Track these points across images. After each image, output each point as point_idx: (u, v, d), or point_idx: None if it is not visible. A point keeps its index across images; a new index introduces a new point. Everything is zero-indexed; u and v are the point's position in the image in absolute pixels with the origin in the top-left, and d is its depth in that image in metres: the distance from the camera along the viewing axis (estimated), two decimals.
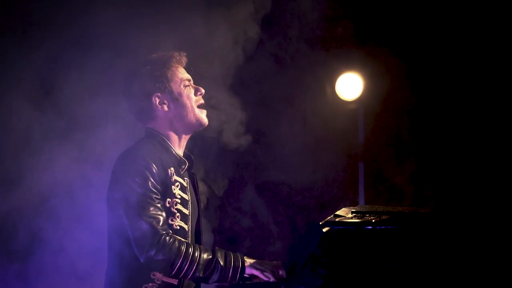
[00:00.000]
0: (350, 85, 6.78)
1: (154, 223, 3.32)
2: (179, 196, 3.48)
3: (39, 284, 5.11)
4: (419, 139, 6.66)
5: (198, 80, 3.74)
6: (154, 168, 3.39)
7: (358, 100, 6.84)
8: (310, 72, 6.29)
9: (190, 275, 3.34)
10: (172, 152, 3.54)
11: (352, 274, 3.07)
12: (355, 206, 3.66)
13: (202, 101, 3.65)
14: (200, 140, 4.86)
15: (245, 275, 3.41)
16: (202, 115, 3.61)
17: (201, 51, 4.74)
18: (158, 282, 3.39)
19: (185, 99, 3.58)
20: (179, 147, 3.61)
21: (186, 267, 3.33)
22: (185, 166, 3.58)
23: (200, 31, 4.71)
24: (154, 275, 3.39)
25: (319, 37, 6.20)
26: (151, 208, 3.34)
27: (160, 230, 3.32)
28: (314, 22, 6.03)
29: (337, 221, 3.18)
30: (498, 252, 3.07)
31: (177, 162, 3.54)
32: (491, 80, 6.33)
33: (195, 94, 3.63)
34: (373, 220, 3.14)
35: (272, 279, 3.41)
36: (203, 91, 3.65)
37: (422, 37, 6.46)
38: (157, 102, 3.56)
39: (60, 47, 4.95)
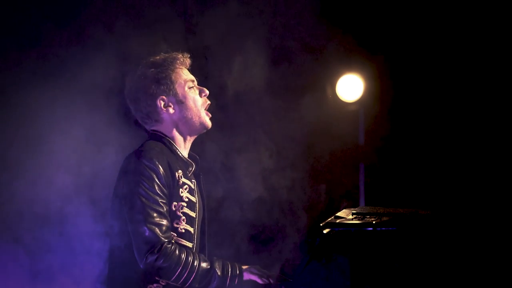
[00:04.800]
0: (350, 87, 6.78)
1: (157, 230, 3.31)
2: (186, 199, 3.47)
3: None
4: (419, 140, 6.66)
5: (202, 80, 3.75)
6: (161, 171, 3.38)
7: (359, 102, 6.84)
8: (310, 73, 6.29)
9: (188, 283, 3.35)
10: (179, 154, 3.54)
11: (352, 275, 3.08)
12: (355, 207, 3.67)
13: (208, 102, 3.65)
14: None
15: (243, 282, 3.45)
16: (206, 118, 3.61)
17: (202, 53, 4.75)
18: (163, 283, 3.39)
19: (190, 101, 3.58)
20: (184, 149, 3.61)
21: (185, 276, 3.34)
22: (192, 168, 3.58)
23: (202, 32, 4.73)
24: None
25: (319, 38, 6.20)
26: (155, 215, 3.33)
27: (162, 238, 3.31)
28: (314, 23, 6.04)
29: (338, 223, 3.18)
30: (498, 252, 3.07)
31: (184, 165, 3.54)
32: (489, 80, 6.33)
33: (200, 96, 3.62)
34: (374, 222, 3.15)
35: (269, 282, 3.44)
36: (207, 92, 3.65)
37: (423, 39, 6.47)
38: (162, 105, 3.55)
39: (55, 49, 4.95)
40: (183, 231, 3.45)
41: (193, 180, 3.55)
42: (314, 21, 5.92)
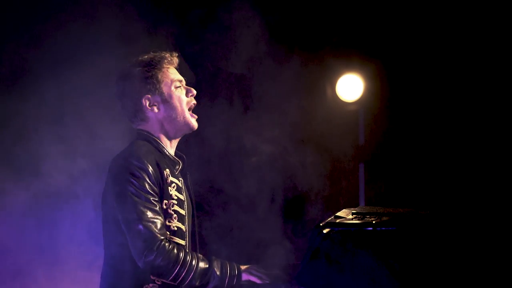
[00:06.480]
0: (350, 86, 6.78)
1: (153, 228, 3.30)
2: (175, 197, 3.48)
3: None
4: (419, 140, 6.66)
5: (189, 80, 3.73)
6: (150, 169, 3.37)
7: (359, 101, 6.84)
8: (310, 74, 6.30)
9: (186, 282, 3.35)
10: (165, 153, 3.54)
11: (352, 275, 3.08)
12: (355, 207, 3.67)
13: (194, 101, 3.64)
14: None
15: (242, 282, 3.45)
16: (191, 120, 3.60)
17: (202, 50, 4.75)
18: (159, 283, 3.39)
19: (175, 101, 3.56)
20: (171, 148, 3.61)
21: (183, 274, 3.33)
22: (179, 167, 3.58)
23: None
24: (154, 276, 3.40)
25: (319, 38, 6.21)
26: (149, 212, 3.32)
27: (159, 235, 3.31)
28: (314, 23, 6.04)
29: (338, 222, 3.18)
30: (498, 252, 3.07)
31: (171, 163, 3.54)
32: (488, 79, 6.33)
33: (187, 95, 3.61)
34: (374, 221, 3.15)
35: (270, 283, 3.44)
36: (194, 92, 3.64)
37: (423, 39, 6.47)
38: (147, 104, 3.54)
39: (54, 47, 4.96)
40: (176, 228, 3.45)
41: (180, 179, 3.56)
42: (314, 22, 5.93)
